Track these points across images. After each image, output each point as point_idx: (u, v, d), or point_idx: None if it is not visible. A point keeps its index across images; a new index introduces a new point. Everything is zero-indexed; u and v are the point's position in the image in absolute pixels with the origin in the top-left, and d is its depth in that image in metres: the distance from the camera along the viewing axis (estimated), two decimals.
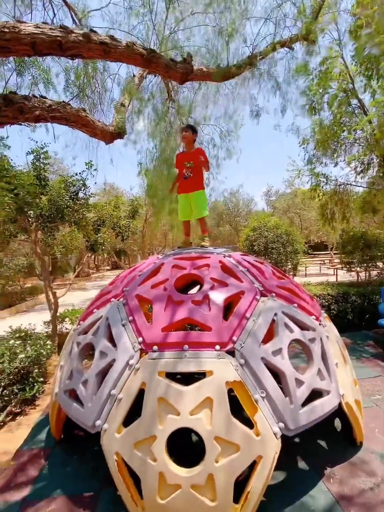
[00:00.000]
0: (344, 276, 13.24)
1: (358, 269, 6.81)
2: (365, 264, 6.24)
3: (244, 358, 1.59)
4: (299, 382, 1.63)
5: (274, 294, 1.99)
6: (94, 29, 2.24)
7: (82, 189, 4.69)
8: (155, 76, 4.21)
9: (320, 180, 6.47)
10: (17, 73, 3.47)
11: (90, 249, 5.31)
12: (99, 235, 5.26)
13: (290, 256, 5.57)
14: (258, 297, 1.91)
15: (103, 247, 5.18)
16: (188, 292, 2.89)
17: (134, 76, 3.74)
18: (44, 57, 3.17)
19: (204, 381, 1.51)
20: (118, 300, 2.06)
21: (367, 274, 6.41)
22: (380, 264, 6.31)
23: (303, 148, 6.06)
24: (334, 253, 23.78)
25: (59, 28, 2.03)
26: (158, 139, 4.61)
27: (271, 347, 1.67)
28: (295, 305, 2.02)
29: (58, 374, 2.10)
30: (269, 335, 1.78)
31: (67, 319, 4.30)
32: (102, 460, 1.56)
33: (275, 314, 1.83)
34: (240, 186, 23.22)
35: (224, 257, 2.37)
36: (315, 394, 1.69)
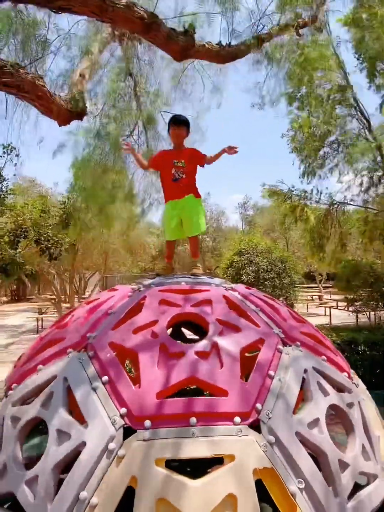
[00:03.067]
0: (340, 316, 14.26)
1: (362, 308, 7.37)
2: (374, 303, 6.80)
3: (274, 434, 1.59)
4: (343, 465, 1.67)
5: (298, 343, 2.06)
6: None
7: None
8: (120, 44, 4.35)
9: (306, 197, 6.98)
10: None
11: (2, 271, 4.95)
12: (17, 251, 4.95)
13: (287, 289, 5.85)
14: (280, 346, 1.96)
15: (25, 270, 4.86)
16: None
17: (96, 33, 3.80)
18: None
19: (223, 471, 1.46)
20: (78, 351, 1.94)
21: (376, 316, 6.97)
22: None
23: (297, 155, 6.59)
24: (324, 287, 25.63)
25: None
26: (109, 123, 4.67)
27: (306, 417, 1.70)
28: (324, 357, 2.12)
29: None
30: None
31: None
32: None
33: (305, 371, 1.89)
34: (207, 194, 24.12)
35: (227, 290, 2.41)
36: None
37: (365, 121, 5.90)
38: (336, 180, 7.38)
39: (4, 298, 29.95)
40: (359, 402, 2.00)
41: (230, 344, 1.85)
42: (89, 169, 5.17)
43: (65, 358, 1.93)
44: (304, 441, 1.63)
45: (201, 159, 3.09)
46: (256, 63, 4.54)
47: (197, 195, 3.12)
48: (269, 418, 1.63)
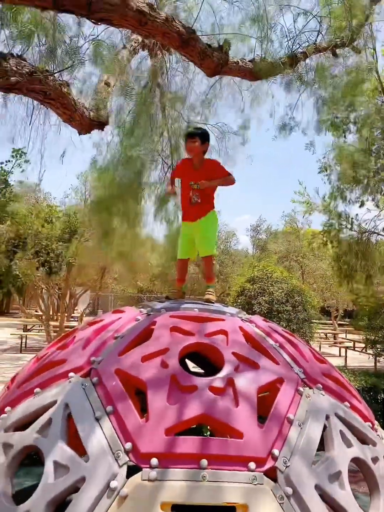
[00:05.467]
0: (356, 359, 14.09)
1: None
2: None
3: (292, 485, 1.59)
4: None
5: (320, 385, 2.07)
6: None
7: (1, 187, 4.56)
8: (149, 53, 4.56)
9: (341, 222, 7.14)
10: None
11: None
12: (13, 262, 5.03)
13: (302, 325, 5.86)
14: (300, 388, 1.98)
15: (17, 282, 4.93)
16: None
17: (124, 47, 4.01)
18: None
19: None
20: (81, 376, 1.97)
21: None
22: None
23: (326, 175, 6.75)
24: (339, 324, 25.42)
25: None
26: (131, 133, 4.83)
27: (327, 469, 1.71)
28: (347, 404, 2.13)
29: None
30: None
31: None
32: None
33: (327, 417, 1.90)
34: (217, 212, 24.40)
35: (243, 321, 2.45)
36: None
37: None
38: (361, 207, 7.44)
39: None
40: None
41: (247, 382, 1.87)
42: (108, 182, 5.31)
43: (66, 382, 1.95)
44: (324, 496, 1.63)
45: (219, 174, 3.14)
46: (289, 83, 4.73)
47: (211, 208, 3.22)
48: (287, 467, 1.64)
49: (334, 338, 22.02)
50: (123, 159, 5.32)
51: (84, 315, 14.53)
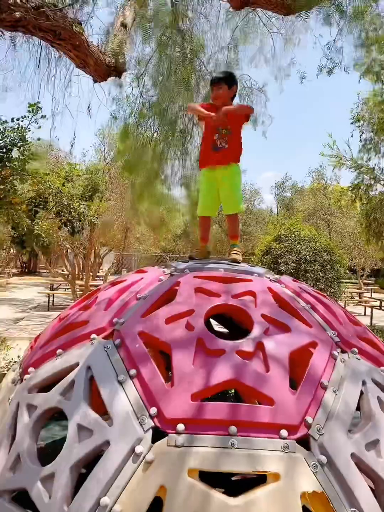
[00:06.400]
0: (382, 317, 13.91)
1: None
2: None
3: (326, 454, 1.51)
4: None
5: (356, 349, 1.96)
6: None
7: (19, 144, 4.42)
8: None
9: (372, 176, 6.73)
10: None
11: (18, 243, 5.01)
12: (36, 221, 4.98)
13: (332, 285, 5.69)
14: (335, 352, 1.87)
15: (41, 242, 4.90)
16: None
17: None
18: None
19: (266, 491, 1.40)
20: (104, 337, 1.91)
21: None
22: None
23: (358, 127, 6.30)
24: (365, 283, 25.08)
25: None
26: (153, 84, 4.54)
27: (364, 437, 1.61)
28: None
29: None
30: None
31: None
32: None
33: (363, 383, 1.79)
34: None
35: (272, 281, 2.32)
36: None
37: None
38: None
39: (14, 270, 30.87)
40: None
41: (278, 345, 1.77)
42: (131, 138, 5.10)
43: (88, 344, 1.90)
44: (360, 464, 1.55)
45: (246, 115, 2.95)
46: (327, 17, 4.26)
47: (238, 161, 2.97)
48: (321, 435, 1.56)
49: (359, 297, 21.82)
50: (145, 113, 5.07)
51: (109, 275, 14.75)
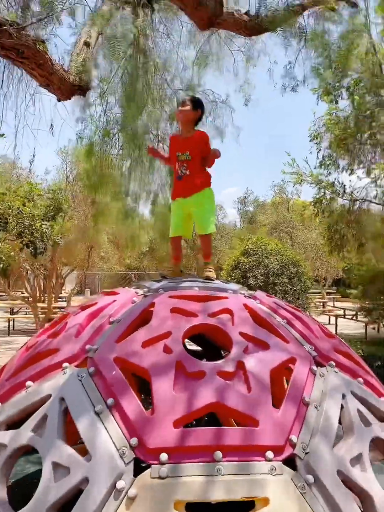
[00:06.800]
0: (347, 326, 14.30)
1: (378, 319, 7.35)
2: None
3: (313, 473, 1.49)
4: None
5: (333, 363, 1.97)
6: None
7: None
8: (132, 11, 4.20)
9: (333, 190, 7.00)
10: None
11: None
12: None
13: (300, 296, 5.79)
14: (313, 367, 1.87)
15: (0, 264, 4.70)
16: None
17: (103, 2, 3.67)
18: None
19: None
20: (76, 366, 1.82)
21: None
22: None
23: (316, 143, 6.55)
24: (327, 293, 25.82)
25: None
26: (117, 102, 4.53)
27: (347, 452, 1.61)
28: (361, 379, 2.03)
29: None
30: None
31: None
32: None
33: (343, 396, 1.80)
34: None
35: (246, 297, 2.32)
36: None
37: None
38: (350, 174, 7.32)
39: None
40: None
41: (258, 363, 1.75)
42: (95, 156, 5.03)
43: (60, 373, 1.80)
44: (347, 481, 1.54)
45: (206, 152, 2.91)
46: (287, 39, 4.44)
47: (207, 185, 2.96)
48: (306, 453, 1.54)
49: (323, 306, 22.43)
50: (109, 131, 5.03)
51: (73, 295, 14.33)
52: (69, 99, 2.99)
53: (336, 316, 14.25)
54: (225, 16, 3.19)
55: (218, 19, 3.01)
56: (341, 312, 15.57)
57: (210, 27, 3.11)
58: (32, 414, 1.71)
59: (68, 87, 2.72)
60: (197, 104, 2.93)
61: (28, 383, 1.86)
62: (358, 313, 10.80)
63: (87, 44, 3.25)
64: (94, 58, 3.52)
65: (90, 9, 3.57)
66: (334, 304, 21.93)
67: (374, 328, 9.59)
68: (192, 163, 2.86)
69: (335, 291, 29.77)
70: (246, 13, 3.64)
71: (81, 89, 2.93)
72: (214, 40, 4.91)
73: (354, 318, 13.12)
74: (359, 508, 1.53)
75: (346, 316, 14.77)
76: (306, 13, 4.22)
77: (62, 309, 12.98)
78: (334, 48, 5.29)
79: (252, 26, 3.55)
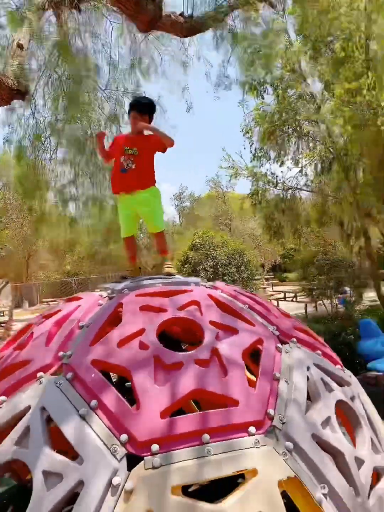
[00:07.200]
0: (288, 308, 15.06)
1: (319, 298, 7.86)
2: (329, 292, 7.30)
3: (291, 440, 1.63)
4: (359, 462, 1.77)
5: (294, 339, 2.13)
6: None
7: None
8: (54, 13, 4.08)
9: (265, 181, 7.37)
10: None
11: None
12: None
13: (247, 283, 6.04)
14: (278, 345, 2.02)
15: None
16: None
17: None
18: None
19: (249, 488, 1.46)
20: (51, 374, 1.80)
21: (332, 304, 7.50)
22: (347, 289, 7.50)
23: (248, 138, 6.84)
24: (265, 279, 27.04)
25: None
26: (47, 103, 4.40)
27: (318, 417, 1.77)
28: (319, 352, 2.22)
29: None
30: None
31: None
32: None
33: (308, 368, 1.96)
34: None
35: (209, 288, 2.42)
36: None
37: (315, 105, 6.33)
38: (281, 165, 7.75)
39: None
40: (359, 395, 2.14)
41: (230, 348, 1.85)
42: (25, 161, 4.82)
43: (36, 384, 1.78)
44: (321, 443, 1.70)
45: (161, 144, 2.98)
46: (219, 39, 4.59)
47: (152, 183, 3.01)
48: (283, 423, 1.67)
49: (263, 291, 23.46)
50: (39, 135, 4.87)
51: (13, 308, 13.63)
52: (9, 104, 2.87)
53: (278, 300, 14.97)
54: (164, 18, 3.26)
55: (158, 22, 3.06)
56: (281, 295, 16.38)
57: (151, 29, 3.16)
58: (12, 428, 1.68)
59: (6, 91, 2.61)
60: (148, 109, 3.05)
61: (2, 398, 1.81)
62: (298, 295, 11.45)
63: (20, 46, 3.13)
64: (29, 61, 3.41)
65: (17, 8, 3.44)
66: (273, 289, 23.00)
67: (314, 307, 10.25)
68: (139, 158, 2.90)
69: (272, 276, 31.27)
70: (181, 14, 3.74)
71: (20, 93, 2.83)
72: (144, 41, 4.94)
73: (294, 299, 13.88)
74: (333, 464, 1.70)
75: (287, 299, 15.58)
76: (234, 13, 4.40)
77: (2, 324, 12.31)
78: (257, 46, 5.58)
79: (188, 28, 3.65)
